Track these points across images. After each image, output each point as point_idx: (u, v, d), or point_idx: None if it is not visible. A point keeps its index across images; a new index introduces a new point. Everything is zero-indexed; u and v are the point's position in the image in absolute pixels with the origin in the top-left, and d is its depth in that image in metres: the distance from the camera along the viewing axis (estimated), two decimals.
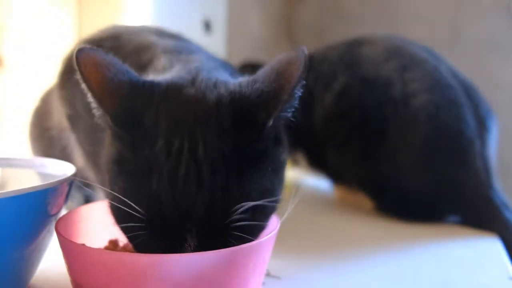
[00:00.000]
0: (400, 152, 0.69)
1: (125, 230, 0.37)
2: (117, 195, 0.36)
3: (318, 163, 0.83)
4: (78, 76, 0.37)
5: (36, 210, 0.38)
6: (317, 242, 0.60)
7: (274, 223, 0.41)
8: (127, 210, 0.35)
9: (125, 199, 0.35)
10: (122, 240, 0.46)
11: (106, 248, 0.45)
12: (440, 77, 0.71)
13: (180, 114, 0.37)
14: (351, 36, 0.84)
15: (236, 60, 0.97)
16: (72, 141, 0.56)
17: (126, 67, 0.39)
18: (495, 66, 1.35)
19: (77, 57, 0.36)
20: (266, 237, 0.37)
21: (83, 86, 0.37)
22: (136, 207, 0.34)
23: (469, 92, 0.72)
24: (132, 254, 0.38)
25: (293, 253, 0.54)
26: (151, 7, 1.02)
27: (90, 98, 0.37)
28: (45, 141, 0.64)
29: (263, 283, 0.45)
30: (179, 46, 0.52)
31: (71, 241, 0.35)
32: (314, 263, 0.52)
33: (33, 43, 0.86)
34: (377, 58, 0.74)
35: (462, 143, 0.67)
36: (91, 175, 0.54)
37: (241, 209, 0.35)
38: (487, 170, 0.68)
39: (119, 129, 0.37)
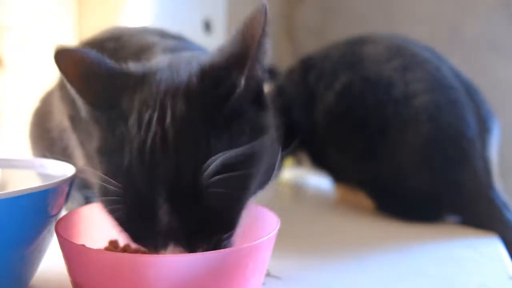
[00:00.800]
0: (400, 152, 0.69)
1: (104, 204, 0.38)
2: (101, 174, 0.37)
3: (319, 162, 0.83)
4: (59, 74, 0.39)
5: (36, 211, 0.38)
6: (317, 242, 0.60)
7: (274, 223, 0.41)
8: (105, 185, 0.36)
9: (105, 176, 0.37)
10: (122, 240, 0.46)
11: (106, 249, 0.45)
12: (442, 78, 0.71)
13: (152, 91, 0.39)
14: (351, 36, 0.84)
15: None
16: (73, 141, 0.56)
17: (105, 59, 0.40)
18: (495, 66, 1.35)
19: (56, 56, 0.38)
20: (266, 237, 0.37)
21: (65, 82, 0.39)
22: (111, 181, 0.36)
23: (471, 92, 0.72)
24: (132, 254, 0.38)
25: (294, 253, 0.54)
26: (151, 8, 1.02)
27: (72, 93, 0.39)
28: (46, 142, 0.64)
29: (263, 283, 0.45)
30: (178, 46, 0.52)
31: (71, 242, 0.36)
32: (315, 263, 0.52)
33: (33, 43, 0.86)
34: (379, 57, 0.74)
35: (463, 143, 0.67)
36: (91, 175, 0.54)
37: (211, 166, 0.34)
38: (487, 171, 0.68)
39: (98, 113, 0.39)
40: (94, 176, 0.40)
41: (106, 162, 0.38)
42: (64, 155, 0.57)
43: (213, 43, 1.21)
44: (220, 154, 0.35)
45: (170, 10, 1.08)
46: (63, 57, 0.38)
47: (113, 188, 0.36)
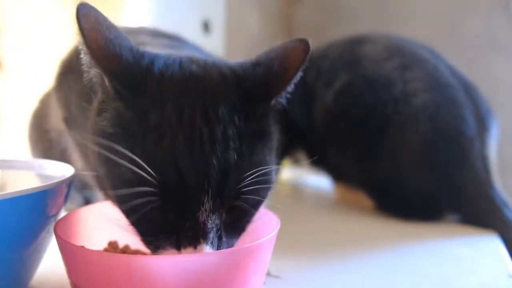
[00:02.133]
0: (400, 151, 0.69)
1: (128, 197, 0.35)
2: (121, 161, 0.34)
3: (318, 162, 0.83)
4: (77, 31, 0.35)
5: (35, 211, 0.38)
6: (317, 241, 0.60)
7: (274, 223, 0.41)
8: (134, 175, 0.34)
9: (129, 165, 0.34)
10: (122, 241, 0.46)
11: (105, 250, 0.45)
12: (440, 77, 0.71)
13: (186, 84, 0.38)
14: (350, 35, 0.84)
15: (235, 60, 0.97)
16: (70, 143, 0.56)
17: (126, 36, 0.38)
18: (494, 65, 1.35)
19: (78, 11, 0.34)
20: (267, 237, 0.37)
21: (81, 41, 0.35)
22: (149, 170, 0.34)
23: (469, 91, 0.72)
24: (131, 256, 0.38)
25: (294, 253, 0.54)
26: (150, 8, 1.02)
27: (85, 57, 0.36)
28: (45, 143, 0.63)
29: (264, 283, 0.45)
30: (173, 45, 0.52)
31: (70, 243, 0.35)
32: (315, 263, 0.52)
33: (32, 44, 0.86)
34: (378, 56, 0.74)
35: (462, 142, 0.67)
36: (90, 176, 0.54)
37: (252, 176, 0.36)
38: (486, 170, 0.68)
39: (123, 89, 0.36)
40: (104, 164, 0.37)
41: (134, 147, 0.35)
42: (63, 157, 0.57)
43: (212, 43, 1.21)
44: (259, 167, 0.37)
45: (169, 10, 1.08)
46: (87, 14, 0.35)
47: (146, 176, 0.33)
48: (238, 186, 0.36)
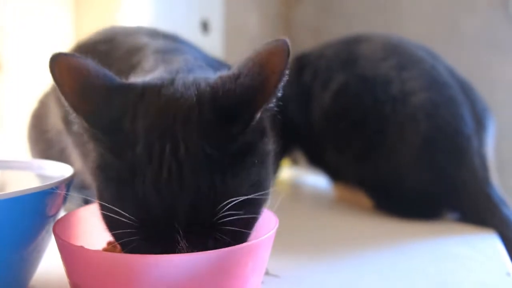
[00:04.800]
0: (398, 150, 0.69)
1: (117, 237, 0.37)
2: (104, 203, 0.36)
3: (317, 161, 0.83)
4: (52, 81, 0.36)
5: (34, 212, 0.38)
6: (316, 240, 0.60)
7: (273, 222, 0.41)
8: (116, 217, 0.35)
9: (112, 207, 0.35)
10: None
11: (105, 249, 0.45)
12: (438, 76, 0.71)
13: (158, 115, 0.37)
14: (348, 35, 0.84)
15: (234, 60, 0.97)
16: (69, 143, 0.56)
17: (103, 70, 0.38)
18: (493, 64, 1.35)
19: (51, 62, 0.35)
20: (265, 236, 0.37)
21: (58, 92, 0.36)
22: (124, 213, 0.34)
23: (466, 90, 0.72)
24: (130, 255, 0.38)
25: (292, 252, 0.54)
26: (149, 8, 1.02)
27: (65, 104, 0.37)
28: (44, 143, 0.64)
29: (262, 282, 0.45)
30: (169, 47, 0.52)
31: (69, 243, 0.35)
32: (313, 262, 0.52)
33: (31, 44, 0.86)
34: (375, 56, 0.74)
35: (460, 141, 0.68)
36: (88, 176, 0.54)
37: (228, 206, 0.34)
38: (484, 167, 0.68)
39: (99, 133, 0.37)
40: (97, 203, 0.38)
41: (111, 189, 0.36)
42: (62, 156, 0.57)
43: (210, 43, 1.21)
44: (235, 195, 0.35)
45: (167, 10, 1.08)
46: (58, 63, 0.35)
47: (123, 219, 0.34)
48: (213, 220, 0.34)
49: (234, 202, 0.34)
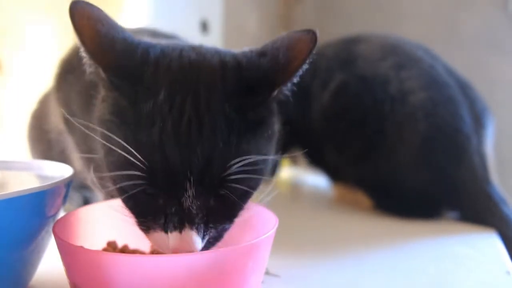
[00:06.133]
0: (398, 150, 0.69)
1: (120, 179, 0.37)
2: (114, 147, 0.36)
3: (316, 161, 0.83)
4: (72, 29, 0.36)
5: (34, 212, 0.38)
6: (316, 240, 0.60)
7: (272, 222, 0.41)
8: (126, 160, 0.35)
9: (122, 151, 0.35)
10: (120, 241, 0.46)
11: (104, 250, 0.45)
12: (436, 75, 0.71)
13: (181, 72, 0.38)
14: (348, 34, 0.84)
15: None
16: (69, 143, 0.56)
17: (121, 26, 0.39)
18: (492, 63, 1.35)
19: (71, 9, 0.36)
20: (265, 235, 0.37)
21: (76, 39, 0.37)
22: (137, 155, 0.35)
23: (465, 89, 0.72)
24: (130, 255, 0.38)
25: (292, 251, 0.54)
26: (148, 8, 1.02)
27: (82, 52, 0.38)
28: (44, 143, 0.64)
29: (262, 281, 0.45)
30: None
31: (69, 243, 0.35)
32: (313, 261, 0.52)
33: (32, 47, 0.86)
34: (374, 56, 0.74)
35: (460, 140, 0.68)
36: (88, 177, 0.54)
37: (238, 164, 0.36)
38: (484, 167, 0.68)
39: (118, 80, 0.37)
40: (104, 147, 0.38)
41: (126, 132, 0.36)
42: (62, 157, 0.57)
43: (210, 43, 1.21)
44: (247, 156, 0.36)
45: (167, 10, 1.08)
46: (78, 11, 0.36)
47: (135, 161, 0.35)
48: (223, 175, 0.36)
49: (244, 162, 0.36)
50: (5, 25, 0.82)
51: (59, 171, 0.47)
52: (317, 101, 0.76)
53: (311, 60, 0.39)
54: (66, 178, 0.41)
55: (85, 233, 0.44)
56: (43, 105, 0.66)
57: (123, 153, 0.35)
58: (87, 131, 0.39)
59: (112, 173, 0.37)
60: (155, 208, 0.37)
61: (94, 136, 0.40)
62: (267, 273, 0.47)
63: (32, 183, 0.49)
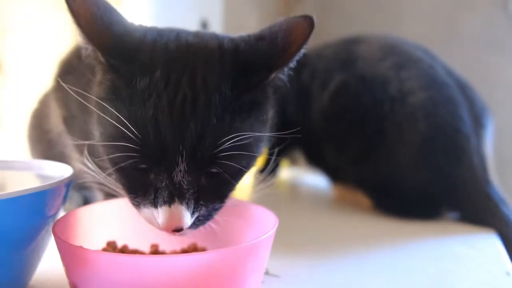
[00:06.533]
0: (397, 150, 0.69)
1: (114, 155, 0.37)
2: (109, 119, 0.37)
3: (316, 161, 0.83)
4: (67, 11, 0.37)
5: (34, 212, 0.38)
6: (316, 240, 0.60)
7: (272, 222, 0.41)
8: (119, 132, 0.36)
9: (120, 120, 0.36)
10: (120, 241, 0.46)
11: (104, 250, 0.45)
12: (436, 75, 0.71)
13: (178, 52, 0.39)
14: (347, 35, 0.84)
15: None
16: (69, 143, 0.56)
17: (116, 10, 0.40)
18: (492, 64, 1.35)
19: None
20: (265, 236, 0.37)
21: (73, 21, 0.38)
22: (132, 128, 0.35)
23: (464, 89, 0.72)
24: (130, 255, 0.38)
25: (292, 252, 0.54)
26: (148, 8, 1.02)
27: (79, 35, 0.38)
28: (44, 143, 0.64)
29: (262, 282, 0.45)
30: None
31: (69, 243, 0.35)
32: (313, 261, 0.52)
33: (33, 46, 0.86)
34: (373, 56, 0.74)
35: (459, 140, 0.68)
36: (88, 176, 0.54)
37: (231, 141, 0.36)
38: (483, 167, 0.68)
39: (114, 60, 0.38)
40: (99, 124, 0.39)
41: (121, 107, 0.37)
42: (62, 157, 0.57)
43: None
44: (239, 133, 0.37)
45: (167, 10, 1.08)
46: None
47: (130, 135, 0.35)
48: (215, 151, 0.36)
49: (237, 139, 0.36)
50: (5, 25, 0.82)
51: (59, 171, 0.47)
52: (317, 101, 0.76)
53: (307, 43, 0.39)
54: (66, 178, 0.41)
55: (85, 233, 0.44)
56: (43, 105, 0.66)
57: (117, 125, 0.36)
58: (83, 101, 0.40)
59: (107, 143, 0.38)
60: (146, 183, 0.38)
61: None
62: (267, 273, 0.47)
63: (32, 183, 0.49)
